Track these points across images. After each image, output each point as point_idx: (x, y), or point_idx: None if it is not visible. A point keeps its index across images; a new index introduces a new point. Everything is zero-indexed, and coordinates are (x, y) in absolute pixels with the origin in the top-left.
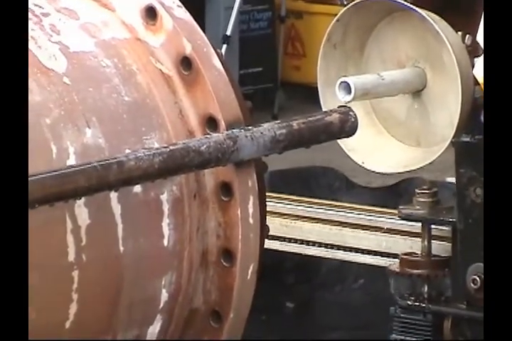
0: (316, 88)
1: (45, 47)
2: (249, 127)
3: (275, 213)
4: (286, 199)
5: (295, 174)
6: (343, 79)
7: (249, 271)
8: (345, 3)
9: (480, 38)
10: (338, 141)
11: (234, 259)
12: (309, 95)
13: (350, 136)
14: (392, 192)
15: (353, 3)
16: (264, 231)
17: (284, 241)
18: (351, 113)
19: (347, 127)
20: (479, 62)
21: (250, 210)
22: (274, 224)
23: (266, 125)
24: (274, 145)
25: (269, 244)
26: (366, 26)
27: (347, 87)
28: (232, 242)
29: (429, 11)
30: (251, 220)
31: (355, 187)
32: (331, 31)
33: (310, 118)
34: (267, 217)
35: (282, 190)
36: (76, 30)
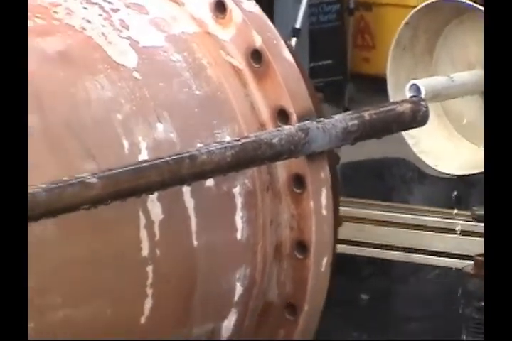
0: (386, 79)
1: (115, 43)
2: (321, 119)
3: (348, 217)
4: (359, 203)
5: (368, 165)
6: (413, 81)
7: (323, 263)
8: None
9: None
10: (410, 144)
11: (307, 251)
12: (379, 87)
13: (422, 125)
14: (465, 182)
15: (421, 5)
16: (337, 223)
17: (358, 245)
18: (422, 102)
19: (418, 117)
20: None
21: (323, 202)
22: (349, 229)
23: (337, 116)
24: (346, 137)
25: (343, 249)
26: (435, 29)
27: (417, 90)
28: (306, 234)
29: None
30: (324, 212)
31: (427, 177)
32: (400, 34)
33: (381, 109)
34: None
35: (354, 181)
36: (145, 25)
